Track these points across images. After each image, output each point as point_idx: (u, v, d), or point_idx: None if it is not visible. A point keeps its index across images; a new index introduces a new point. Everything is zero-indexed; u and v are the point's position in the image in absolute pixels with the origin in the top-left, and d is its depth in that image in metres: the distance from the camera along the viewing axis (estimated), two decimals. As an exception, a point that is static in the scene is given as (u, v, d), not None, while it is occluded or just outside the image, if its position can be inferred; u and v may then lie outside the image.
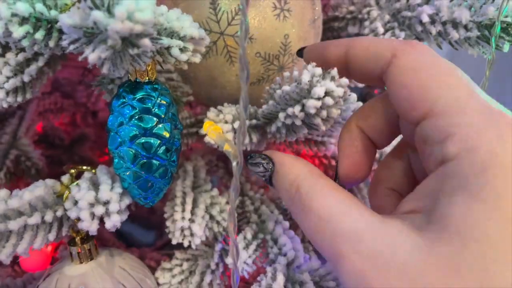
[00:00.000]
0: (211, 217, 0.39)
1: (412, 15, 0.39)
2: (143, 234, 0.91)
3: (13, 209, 0.30)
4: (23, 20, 0.26)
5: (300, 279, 0.36)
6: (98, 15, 0.21)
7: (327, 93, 0.29)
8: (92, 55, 0.22)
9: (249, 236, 0.40)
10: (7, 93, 0.33)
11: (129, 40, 0.22)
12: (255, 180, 0.49)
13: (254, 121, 0.36)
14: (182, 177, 0.42)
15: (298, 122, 0.32)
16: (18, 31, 0.25)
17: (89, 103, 0.63)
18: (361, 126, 0.30)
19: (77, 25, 0.23)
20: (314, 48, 0.32)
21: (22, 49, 0.34)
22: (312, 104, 0.29)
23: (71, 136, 0.71)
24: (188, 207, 0.38)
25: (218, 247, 0.41)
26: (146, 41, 0.22)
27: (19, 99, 0.34)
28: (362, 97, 0.63)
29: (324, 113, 0.30)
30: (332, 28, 0.48)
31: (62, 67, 0.42)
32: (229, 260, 0.39)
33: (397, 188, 0.30)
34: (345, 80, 0.29)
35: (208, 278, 0.41)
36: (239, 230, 0.42)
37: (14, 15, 0.25)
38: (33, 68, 0.34)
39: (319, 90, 0.28)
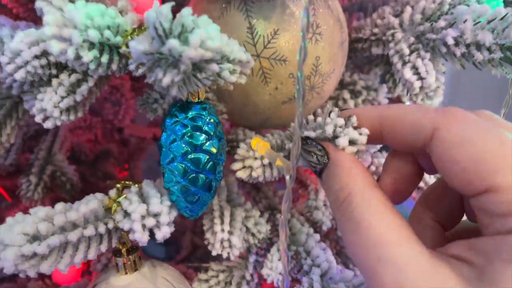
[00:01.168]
0: (247, 230, 0.41)
1: (437, 37, 0.41)
2: (154, 248, 0.92)
3: (70, 221, 0.32)
4: (92, 45, 0.28)
5: (335, 289, 0.37)
6: (174, 43, 0.23)
7: (350, 142, 0.30)
8: (165, 79, 0.24)
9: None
10: (61, 112, 0.35)
11: (198, 66, 0.24)
12: (281, 194, 0.51)
13: (281, 153, 0.37)
14: (218, 193, 0.44)
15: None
16: (88, 56, 0.28)
17: (116, 120, 0.65)
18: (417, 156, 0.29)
19: (147, 51, 0.25)
20: (348, 114, 0.31)
21: (73, 70, 0.36)
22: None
23: (95, 152, 0.73)
24: (227, 220, 0.39)
25: (252, 258, 0.43)
26: (214, 66, 0.24)
27: (72, 117, 0.36)
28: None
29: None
30: (355, 49, 0.51)
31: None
32: (264, 271, 0.40)
33: (443, 221, 0.30)
34: (366, 130, 0.30)
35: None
36: (272, 243, 0.44)
37: (85, 41, 0.27)
38: (84, 88, 0.36)
39: (342, 141, 0.30)
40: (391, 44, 0.44)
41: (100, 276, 0.39)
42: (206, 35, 0.23)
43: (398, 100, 0.59)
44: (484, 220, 0.23)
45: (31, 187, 0.50)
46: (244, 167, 0.36)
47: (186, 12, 0.26)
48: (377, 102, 0.50)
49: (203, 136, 0.32)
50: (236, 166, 0.36)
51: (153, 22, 0.25)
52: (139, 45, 0.25)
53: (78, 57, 0.28)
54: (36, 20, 0.58)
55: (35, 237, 0.30)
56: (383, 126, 0.28)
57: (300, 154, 0.30)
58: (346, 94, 0.50)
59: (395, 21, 0.46)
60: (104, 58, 0.29)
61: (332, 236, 0.50)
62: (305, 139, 0.30)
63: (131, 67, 0.27)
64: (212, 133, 0.33)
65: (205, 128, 0.32)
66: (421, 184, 0.45)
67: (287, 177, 0.27)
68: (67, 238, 0.31)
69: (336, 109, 0.31)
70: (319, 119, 0.32)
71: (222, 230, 0.39)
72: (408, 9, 0.45)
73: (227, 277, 0.43)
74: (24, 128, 0.56)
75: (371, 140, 0.29)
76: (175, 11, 0.24)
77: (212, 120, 0.33)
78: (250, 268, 0.42)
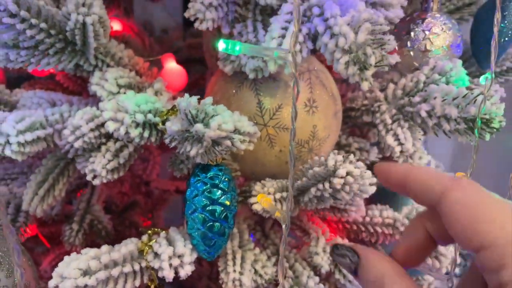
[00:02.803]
0: (255, 271, 0.48)
1: (414, 110, 0.50)
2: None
3: (113, 260, 0.40)
4: (137, 124, 0.37)
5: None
6: (199, 126, 0.32)
7: (348, 173, 0.39)
8: (192, 151, 0.33)
9: (286, 287, 0.49)
10: (107, 172, 0.44)
11: (216, 142, 0.33)
12: (289, 241, 0.58)
13: (293, 193, 0.46)
14: (231, 238, 0.52)
15: (326, 195, 0.42)
16: (134, 132, 0.37)
17: (144, 175, 0.75)
18: (426, 225, 0.32)
19: (179, 130, 0.35)
20: (381, 168, 0.34)
21: (118, 139, 0.45)
22: (337, 181, 0.40)
23: (124, 203, 0.82)
24: (238, 262, 0.47)
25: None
26: (228, 142, 0.33)
27: (115, 176, 0.45)
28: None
29: (347, 188, 0.40)
30: (349, 116, 0.59)
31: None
32: (271, 307, 0.47)
33: None
34: (361, 164, 0.39)
35: None
36: (277, 284, 0.51)
37: (133, 121, 0.37)
38: (126, 153, 0.45)
39: (341, 172, 0.39)
40: (377, 114, 0.53)
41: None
42: (222, 120, 0.32)
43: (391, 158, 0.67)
44: (486, 276, 0.26)
45: (73, 233, 0.59)
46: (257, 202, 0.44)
47: (208, 101, 0.35)
48: (369, 161, 0.58)
49: (219, 192, 0.41)
50: (252, 200, 0.44)
51: (184, 109, 0.34)
52: (173, 126, 0.35)
53: (127, 133, 0.37)
54: (82, 91, 0.69)
55: (86, 272, 0.38)
56: (407, 181, 0.31)
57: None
58: (341, 154, 0.58)
59: (381, 95, 0.55)
60: (146, 133, 0.38)
61: (332, 280, 0.56)
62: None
63: (166, 141, 0.36)
64: (226, 189, 0.41)
65: (221, 185, 0.41)
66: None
67: (284, 226, 0.35)
68: (110, 273, 0.39)
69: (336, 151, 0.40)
70: (322, 158, 0.40)
71: (234, 271, 0.46)
72: (391, 86, 0.54)
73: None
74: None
75: (398, 191, 0.34)
76: (196, 79, 0.33)
77: (226, 179, 0.41)
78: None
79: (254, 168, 0.53)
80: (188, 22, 0.76)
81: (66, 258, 0.39)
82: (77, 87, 0.66)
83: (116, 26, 0.79)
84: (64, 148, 0.46)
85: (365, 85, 0.35)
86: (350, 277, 0.51)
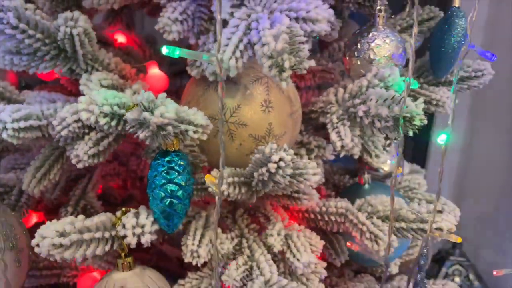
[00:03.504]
0: (212, 246, 0.56)
1: (355, 110, 0.57)
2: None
3: (86, 227, 0.49)
4: (106, 115, 0.46)
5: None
6: (146, 114, 0.41)
7: (280, 159, 0.47)
8: (141, 135, 0.42)
9: (240, 262, 0.56)
10: (89, 157, 0.53)
11: (161, 127, 0.42)
12: (254, 227, 0.66)
13: (242, 178, 0.54)
14: (197, 219, 0.60)
15: (265, 178, 0.50)
16: (102, 121, 0.46)
17: (139, 170, 0.84)
18: None
19: (135, 119, 0.43)
20: None
21: (101, 131, 0.54)
22: (271, 166, 0.47)
23: (122, 196, 0.91)
24: (198, 237, 0.55)
25: (218, 270, 0.58)
26: (169, 128, 0.42)
27: (96, 161, 0.54)
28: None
29: (280, 171, 0.48)
30: (311, 118, 0.67)
31: (122, 142, 0.63)
32: (223, 277, 0.55)
33: None
34: (291, 151, 0.47)
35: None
36: (236, 259, 0.59)
37: (101, 112, 0.46)
38: (105, 142, 0.54)
39: (275, 157, 0.46)
40: (328, 115, 0.61)
41: (106, 274, 0.55)
42: (165, 110, 0.41)
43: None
44: None
45: (68, 215, 0.68)
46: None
47: (161, 96, 0.44)
48: (325, 157, 0.66)
49: (175, 173, 0.49)
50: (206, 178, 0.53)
51: (139, 102, 0.43)
52: (130, 115, 0.43)
53: (97, 122, 0.46)
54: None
55: (62, 234, 0.47)
56: None
57: None
58: (303, 151, 0.66)
59: (333, 98, 0.62)
60: (113, 123, 0.47)
61: (286, 260, 0.63)
62: None
63: (127, 127, 0.45)
64: (181, 171, 0.49)
65: (176, 167, 0.49)
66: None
67: (216, 198, 0.43)
68: (82, 237, 0.48)
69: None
70: (262, 147, 0.48)
71: (193, 244, 0.54)
72: (341, 90, 0.61)
73: (199, 283, 0.58)
74: (68, 173, 0.75)
75: None
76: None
77: (182, 163, 0.50)
78: (216, 277, 0.57)
79: (219, 159, 0.61)
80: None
81: (48, 223, 0.48)
82: (78, 90, 0.76)
83: (121, 38, 0.90)
84: (55, 138, 0.56)
85: (283, 84, 0.43)
86: (299, 256, 0.57)
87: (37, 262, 0.67)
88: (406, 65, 0.64)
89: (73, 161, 0.54)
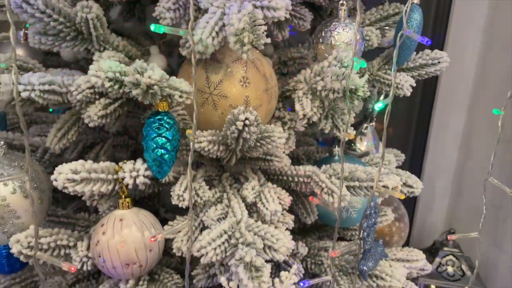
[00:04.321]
0: (197, 194, 0.69)
1: (315, 86, 0.69)
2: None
3: (94, 169, 0.62)
4: (110, 79, 0.60)
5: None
6: (138, 76, 0.54)
7: (246, 118, 0.59)
8: (134, 92, 0.55)
9: (218, 208, 0.69)
10: (98, 118, 0.67)
11: (149, 87, 0.55)
12: (235, 186, 0.78)
13: (220, 138, 0.66)
14: (186, 175, 0.72)
15: (235, 135, 0.62)
16: (107, 84, 0.59)
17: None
18: None
19: (130, 81, 0.56)
20: None
21: (107, 97, 0.68)
22: (238, 124, 0.60)
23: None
24: (183, 186, 0.68)
25: (201, 215, 0.70)
26: (156, 88, 0.55)
27: (103, 121, 0.67)
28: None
29: (246, 129, 0.60)
30: (286, 96, 0.79)
31: (131, 118, 0.77)
32: (203, 218, 0.67)
33: None
34: (255, 113, 0.59)
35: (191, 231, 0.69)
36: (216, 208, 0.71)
37: (106, 77, 0.59)
38: (112, 107, 0.67)
39: (241, 117, 0.59)
40: (297, 91, 0.73)
41: (107, 212, 0.68)
42: (152, 73, 0.54)
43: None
44: None
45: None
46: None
47: (151, 65, 0.57)
48: (297, 128, 0.77)
49: (164, 129, 0.62)
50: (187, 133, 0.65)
51: (134, 68, 0.56)
52: (127, 78, 0.57)
53: (103, 85, 0.60)
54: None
55: (74, 172, 0.60)
56: None
57: None
58: (278, 124, 0.78)
59: (302, 78, 0.74)
60: (116, 86, 0.60)
61: (258, 210, 0.75)
62: None
63: (126, 90, 0.58)
64: (169, 127, 0.62)
65: (165, 125, 0.62)
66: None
67: (191, 144, 0.56)
68: (90, 176, 0.61)
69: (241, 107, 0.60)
70: (234, 110, 0.61)
71: (179, 190, 0.67)
72: (308, 70, 0.73)
73: (184, 224, 0.70)
74: (84, 140, 0.89)
75: None
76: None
77: (169, 121, 0.63)
78: (198, 220, 0.69)
79: (205, 126, 0.74)
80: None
81: (64, 164, 0.62)
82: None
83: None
84: (72, 102, 0.69)
85: (244, 56, 0.56)
86: (268, 206, 0.69)
87: (57, 211, 0.81)
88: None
89: (86, 121, 0.67)
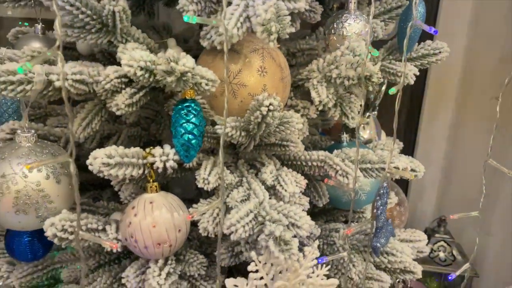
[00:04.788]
0: (219, 178, 0.72)
1: (330, 74, 0.73)
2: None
3: (125, 153, 0.65)
4: (141, 68, 0.63)
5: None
6: (173, 64, 0.57)
7: (270, 104, 0.63)
8: (168, 79, 0.59)
9: (240, 190, 0.73)
10: (125, 106, 0.70)
11: (183, 74, 0.58)
12: (252, 171, 0.82)
13: (242, 124, 0.70)
14: (208, 160, 0.76)
15: (259, 120, 0.66)
16: (139, 73, 0.62)
17: (157, 134, 1.00)
18: None
19: (164, 70, 0.60)
20: None
21: (132, 87, 0.71)
22: (263, 109, 0.64)
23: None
24: (208, 169, 0.71)
25: (224, 197, 0.74)
26: (189, 75, 0.58)
27: (130, 109, 0.71)
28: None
29: (270, 114, 0.64)
30: (298, 85, 0.83)
31: (144, 108, 0.80)
32: (228, 200, 0.71)
33: None
34: (278, 98, 0.63)
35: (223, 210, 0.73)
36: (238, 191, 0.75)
37: (139, 66, 0.62)
38: (137, 96, 0.71)
39: (266, 102, 0.63)
40: (311, 80, 0.77)
41: (129, 198, 0.71)
42: (185, 61, 0.58)
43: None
44: None
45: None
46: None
47: (183, 54, 0.60)
48: (309, 116, 0.82)
49: (191, 115, 0.66)
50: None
51: (167, 56, 0.60)
52: (160, 67, 0.60)
53: (135, 74, 0.63)
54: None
55: (108, 156, 0.63)
56: None
57: None
58: (291, 112, 0.82)
59: (315, 67, 0.79)
60: (147, 75, 0.63)
61: (276, 192, 0.79)
62: None
63: (158, 77, 0.62)
64: (196, 114, 0.66)
65: (192, 111, 0.66)
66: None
67: (223, 129, 0.59)
68: (123, 160, 0.65)
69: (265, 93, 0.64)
70: (257, 97, 0.65)
71: (204, 173, 0.71)
72: (321, 60, 0.78)
73: (216, 203, 0.73)
74: (101, 130, 0.92)
75: None
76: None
77: (196, 108, 0.66)
78: (223, 202, 0.73)
79: (223, 114, 0.78)
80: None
81: (99, 149, 0.65)
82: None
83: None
84: (99, 92, 0.72)
85: (271, 44, 0.60)
86: (287, 188, 0.73)
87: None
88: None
89: (113, 109, 0.70)
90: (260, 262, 0.63)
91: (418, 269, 0.94)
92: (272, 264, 0.64)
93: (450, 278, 0.90)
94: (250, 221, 0.64)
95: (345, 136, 0.92)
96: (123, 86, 0.70)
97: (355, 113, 0.88)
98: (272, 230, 0.61)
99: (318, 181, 0.87)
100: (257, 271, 0.65)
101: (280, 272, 0.65)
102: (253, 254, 0.64)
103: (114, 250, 0.68)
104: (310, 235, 0.86)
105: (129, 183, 0.71)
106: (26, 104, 0.67)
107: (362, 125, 1.06)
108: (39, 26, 0.87)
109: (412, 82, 0.84)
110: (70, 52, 0.96)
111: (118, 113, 0.70)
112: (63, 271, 0.87)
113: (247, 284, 0.64)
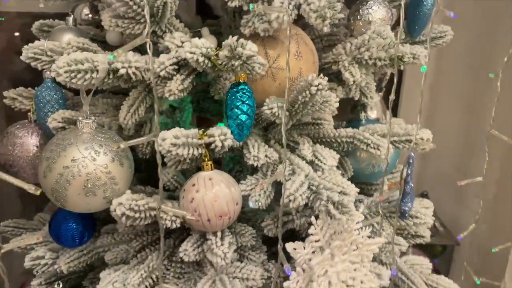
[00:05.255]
0: (265, 155, 0.79)
1: (361, 56, 0.81)
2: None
3: (185, 135, 0.70)
4: (203, 55, 0.68)
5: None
6: (240, 49, 0.63)
7: (319, 83, 0.70)
8: (236, 63, 0.64)
9: (286, 165, 0.79)
10: (178, 91, 0.74)
11: (249, 58, 0.64)
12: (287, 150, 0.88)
13: (287, 104, 0.77)
14: (255, 138, 0.82)
15: (307, 99, 0.73)
16: (201, 59, 0.67)
17: (180, 120, 1.05)
18: None
19: (226, 55, 0.65)
20: None
21: (180, 74, 0.75)
22: (313, 88, 0.71)
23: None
24: (256, 147, 0.77)
25: (268, 173, 0.80)
26: (255, 58, 0.64)
27: (181, 94, 0.75)
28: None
29: (319, 93, 0.71)
30: (324, 68, 0.91)
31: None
32: (276, 174, 0.78)
33: None
34: (326, 78, 0.70)
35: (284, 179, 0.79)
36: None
37: (201, 53, 0.67)
38: (187, 82, 0.75)
39: (315, 82, 0.70)
40: (340, 63, 0.85)
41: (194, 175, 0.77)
42: (251, 46, 0.63)
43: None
44: None
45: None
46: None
47: (244, 41, 0.66)
48: (338, 97, 0.89)
49: (246, 96, 0.71)
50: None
51: (228, 43, 0.65)
52: (222, 53, 0.65)
53: (197, 60, 0.68)
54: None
55: (175, 137, 0.68)
56: None
57: None
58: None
59: (343, 51, 0.86)
60: (206, 60, 0.69)
61: (315, 167, 0.86)
62: None
63: (220, 61, 0.67)
64: (250, 96, 0.72)
65: (246, 93, 0.72)
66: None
67: (284, 107, 0.66)
68: (187, 141, 0.70)
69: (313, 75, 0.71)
70: (306, 78, 0.71)
71: (254, 150, 0.77)
72: (348, 44, 0.85)
73: (274, 179, 0.79)
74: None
75: None
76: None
77: (249, 90, 0.72)
78: (284, 174, 0.79)
79: (262, 96, 0.84)
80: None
81: (166, 131, 0.69)
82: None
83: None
84: (148, 80, 0.76)
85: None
86: (326, 161, 0.81)
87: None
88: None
89: (166, 95, 0.74)
90: (318, 225, 0.70)
91: (427, 233, 1.05)
92: (326, 228, 0.72)
93: (459, 238, 1.00)
94: (306, 190, 0.71)
95: (363, 115, 1.00)
96: (174, 72, 0.75)
97: (373, 92, 0.96)
98: (330, 196, 0.68)
99: (343, 156, 0.95)
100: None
101: (334, 234, 0.72)
102: (313, 219, 0.71)
103: (174, 226, 0.74)
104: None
105: (184, 163, 0.76)
106: (87, 92, 0.70)
107: (370, 106, 1.15)
108: (70, 19, 0.90)
109: (423, 63, 0.93)
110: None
111: (171, 98, 0.75)
112: (107, 254, 0.90)
113: (304, 247, 0.71)
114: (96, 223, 0.91)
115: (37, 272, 0.91)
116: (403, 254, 1.02)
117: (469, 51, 1.90)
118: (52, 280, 0.94)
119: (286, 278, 0.76)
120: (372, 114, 1.15)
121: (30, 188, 0.61)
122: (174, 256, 0.86)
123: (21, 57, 0.77)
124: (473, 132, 2.15)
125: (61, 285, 0.91)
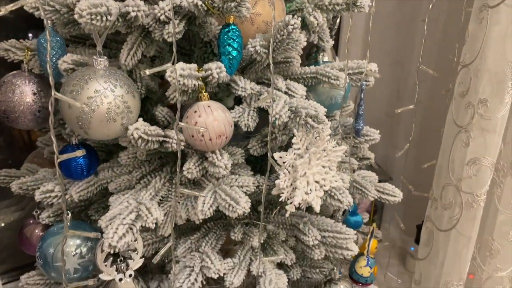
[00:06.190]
0: (251, 87, 0.95)
1: (321, 3, 0.99)
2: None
3: (190, 68, 0.85)
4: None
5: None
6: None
7: (294, 23, 0.87)
8: (231, 4, 0.79)
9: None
10: (176, 33, 0.88)
11: (238, 1, 0.79)
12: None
13: (265, 42, 0.93)
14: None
15: (285, 37, 0.89)
16: (199, 3, 0.81)
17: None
18: None
19: (224, 1, 0.80)
20: None
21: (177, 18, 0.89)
22: (290, 27, 0.87)
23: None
24: (242, 81, 0.93)
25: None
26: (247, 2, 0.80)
27: (179, 37, 0.89)
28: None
29: (295, 31, 0.88)
30: (289, 15, 1.07)
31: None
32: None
33: None
34: (299, 19, 0.87)
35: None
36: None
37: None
38: (181, 25, 0.89)
39: (292, 21, 0.87)
40: (304, 9, 1.02)
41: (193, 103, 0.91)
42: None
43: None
44: None
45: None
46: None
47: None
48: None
49: (235, 35, 0.87)
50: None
51: (224, -11, 0.80)
52: (220, -3, 0.80)
53: (196, 5, 0.82)
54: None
55: (182, 69, 0.82)
56: None
57: None
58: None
59: (306, 1, 1.03)
60: (202, 6, 0.82)
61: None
62: None
63: (214, 5, 0.81)
64: (238, 34, 0.87)
65: (236, 32, 0.87)
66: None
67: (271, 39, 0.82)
68: (192, 73, 0.84)
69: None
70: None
71: (241, 83, 0.92)
72: (310, -6, 1.02)
73: (264, 100, 0.96)
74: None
75: None
76: None
77: (238, 30, 0.87)
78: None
79: (244, 40, 0.99)
80: None
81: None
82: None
83: None
84: (148, 24, 0.88)
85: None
86: (297, 91, 0.99)
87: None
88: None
89: (165, 37, 0.87)
90: (299, 137, 0.88)
91: (372, 155, 1.28)
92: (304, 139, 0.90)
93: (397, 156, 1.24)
94: (287, 110, 0.89)
95: (320, 56, 1.19)
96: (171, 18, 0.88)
97: (328, 37, 1.15)
98: (308, 112, 0.86)
99: (307, 91, 1.14)
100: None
101: (309, 144, 0.91)
102: (295, 131, 0.89)
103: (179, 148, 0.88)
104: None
105: (185, 94, 0.90)
106: (100, 35, 0.82)
107: (322, 53, 1.34)
108: None
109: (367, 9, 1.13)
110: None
111: (169, 40, 0.88)
112: (110, 184, 1.03)
113: (287, 155, 0.89)
114: (98, 158, 1.03)
115: (46, 204, 1.02)
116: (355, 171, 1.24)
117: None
118: (59, 212, 1.05)
119: (272, 186, 0.94)
120: (325, 59, 1.34)
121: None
122: (173, 179, 1.01)
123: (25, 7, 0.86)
124: (403, 82, 2.45)
125: (69, 215, 1.02)
